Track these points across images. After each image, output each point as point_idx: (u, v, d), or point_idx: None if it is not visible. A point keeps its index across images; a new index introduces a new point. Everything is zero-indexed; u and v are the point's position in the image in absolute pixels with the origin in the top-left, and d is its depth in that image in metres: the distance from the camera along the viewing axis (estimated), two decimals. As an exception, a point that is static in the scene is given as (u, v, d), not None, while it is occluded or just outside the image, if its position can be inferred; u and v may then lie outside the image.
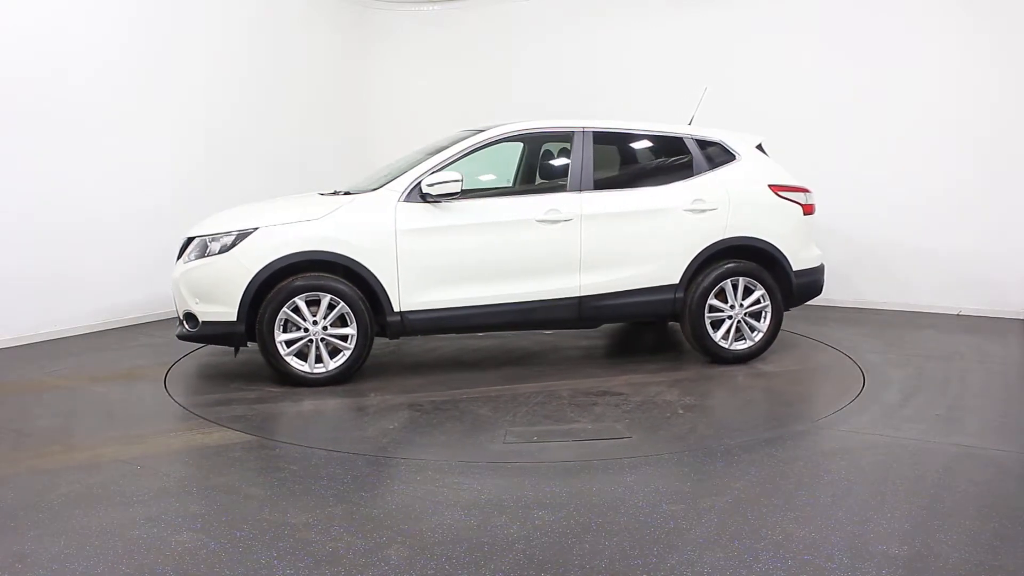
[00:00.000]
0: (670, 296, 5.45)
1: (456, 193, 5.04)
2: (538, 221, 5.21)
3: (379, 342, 6.33)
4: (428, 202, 5.07)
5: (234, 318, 4.91)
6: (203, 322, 5.02)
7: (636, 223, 5.38)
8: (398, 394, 4.95)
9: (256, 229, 4.98)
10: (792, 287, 5.65)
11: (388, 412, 4.60)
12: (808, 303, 6.12)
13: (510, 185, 6.23)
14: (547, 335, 6.62)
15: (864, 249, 7.89)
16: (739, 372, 5.39)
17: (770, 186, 5.63)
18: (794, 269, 5.64)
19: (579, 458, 3.82)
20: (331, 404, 4.79)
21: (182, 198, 7.53)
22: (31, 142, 6.31)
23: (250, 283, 4.88)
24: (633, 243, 5.38)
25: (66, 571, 2.70)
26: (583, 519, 3.10)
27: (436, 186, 5.00)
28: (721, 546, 2.87)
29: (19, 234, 6.27)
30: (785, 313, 5.77)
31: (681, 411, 4.53)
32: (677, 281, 5.44)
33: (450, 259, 5.10)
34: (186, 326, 5.13)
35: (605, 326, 6.88)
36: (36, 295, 6.40)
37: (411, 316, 5.11)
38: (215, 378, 5.37)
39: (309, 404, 4.79)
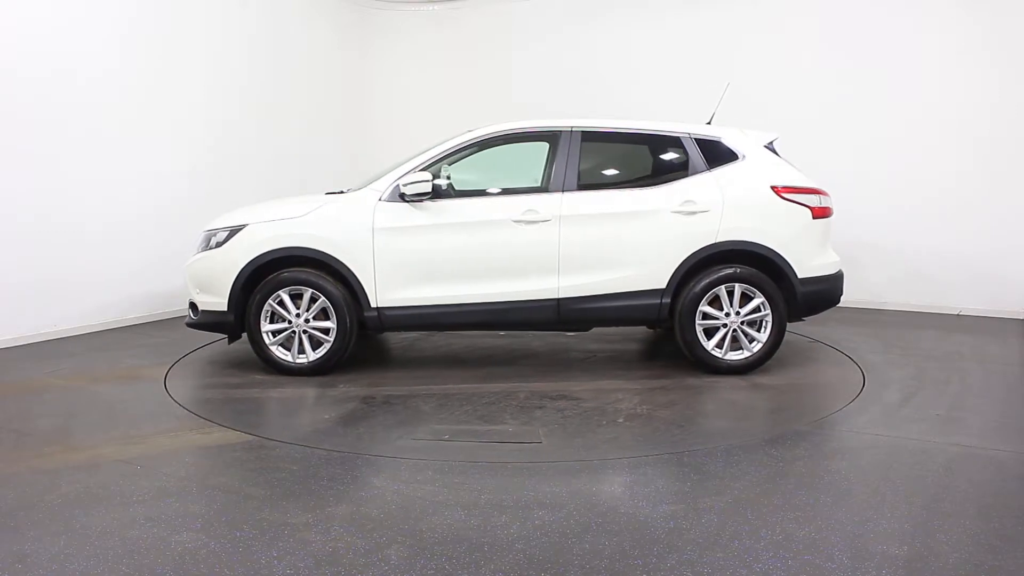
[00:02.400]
0: (655, 301, 5.25)
1: (427, 193, 5.17)
2: (514, 221, 5.20)
3: (398, 336, 6.58)
4: (407, 202, 5.21)
5: (225, 308, 5.28)
6: (202, 311, 5.42)
7: (618, 225, 5.22)
8: (364, 387, 5.10)
9: (245, 226, 5.32)
10: (797, 296, 5.30)
11: (338, 403, 4.76)
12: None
13: (537, 185, 6.14)
14: (569, 336, 6.56)
15: (864, 249, 7.90)
16: (726, 382, 5.15)
17: (773, 187, 5.30)
18: (800, 276, 5.29)
19: (474, 459, 3.80)
20: (295, 393, 4.99)
21: (182, 199, 7.55)
22: (31, 142, 6.31)
23: (238, 276, 5.23)
24: (614, 245, 5.21)
25: (66, 571, 2.70)
26: (583, 519, 3.10)
27: (409, 186, 5.16)
28: (721, 546, 2.87)
29: (19, 234, 6.27)
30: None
31: (621, 420, 4.38)
32: (663, 286, 5.24)
33: (425, 257, 5.20)
34: (191, 314, 5.55)
35: (640, 330, 6.82)
36: (36, 295, 6.40)
37: (388, 312, 5.25)
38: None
39: (276, 392, 5.00)
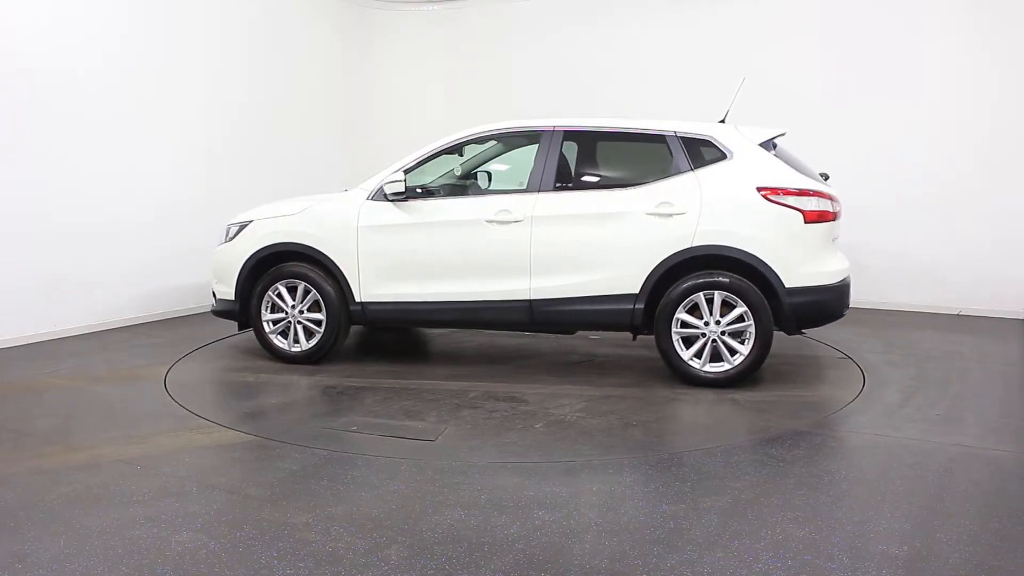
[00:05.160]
0: (628, 307, 5.02)
1: (403, 193, 5.29)
2: (487, 222, 5.20)
3: (429, 330, 6.81)
4: (390, 201, 5.36)
5: (232, 297, 5.67)
6: (218, 299, 5.86)
7: (590, 226, 5.06)
8: (338, 377, 5.31)
9: (251, 221, 5.69)
10: (784, 306, 4.87)
11: (300, 390, 5.05)
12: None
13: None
14: (592, 337, 6.49)
15: (864, 249, 7.88)
16: (695, 395, 4.85)
17: (758, 188, 4.90)
18: (788, 286, 4.84)
19: (359, 451, 3.90)
20: (274, 379, 5.28)
21: (182, 198, 7.54)
22: (31, 142, 6.30)
23: (242, 268, 5.61)
24: (586, 247, 5.05)
25: (66, 571, 2.70)
26: (583, 519, 3.10)
27: (388, 186, 5.33)
28: (721, 546, 2.87)
29: (19, 234, 6.26)
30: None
31: (539, 426, 4.28)
32: (636, 291, 5.00)
33: (403, 255, 5.36)
34: (213, 302, 5.95)
35: None
36: (37, 295, 6.40)
37: (370, 307, 5.45)
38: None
39: (256, 377, 5.34)
